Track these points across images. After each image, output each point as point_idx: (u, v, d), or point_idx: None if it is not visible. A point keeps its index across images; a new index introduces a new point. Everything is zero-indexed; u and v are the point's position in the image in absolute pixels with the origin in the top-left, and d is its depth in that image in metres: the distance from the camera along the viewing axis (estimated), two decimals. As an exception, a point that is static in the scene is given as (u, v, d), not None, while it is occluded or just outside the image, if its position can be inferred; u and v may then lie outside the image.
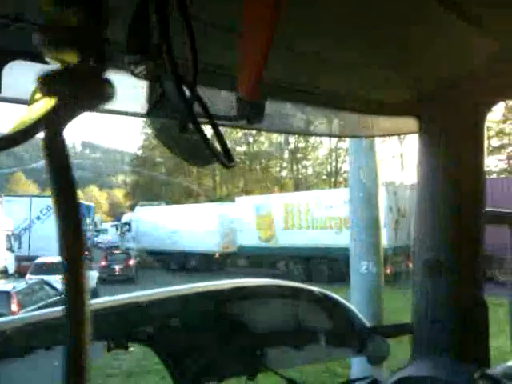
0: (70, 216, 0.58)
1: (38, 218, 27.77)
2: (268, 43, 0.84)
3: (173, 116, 0.83)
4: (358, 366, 5.62)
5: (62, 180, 0.56)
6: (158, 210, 34.76)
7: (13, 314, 10.92)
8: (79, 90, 0.58)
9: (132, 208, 41.03)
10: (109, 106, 0.62)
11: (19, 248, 24.86)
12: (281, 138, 56.97)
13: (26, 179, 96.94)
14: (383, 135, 3.16)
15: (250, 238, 26.66)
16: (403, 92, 1.93)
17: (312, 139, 55.40)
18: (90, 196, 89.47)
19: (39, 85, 0.57)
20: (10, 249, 23.79)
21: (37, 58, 0.89)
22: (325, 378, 8.26)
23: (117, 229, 39.29)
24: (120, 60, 0.71)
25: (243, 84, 0.91)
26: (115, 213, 72.62)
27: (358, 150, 6.32)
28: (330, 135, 6.29)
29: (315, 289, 2.06)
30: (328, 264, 22.39)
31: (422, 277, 1.99)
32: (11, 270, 23.02)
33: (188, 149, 0.85)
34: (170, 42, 0.67)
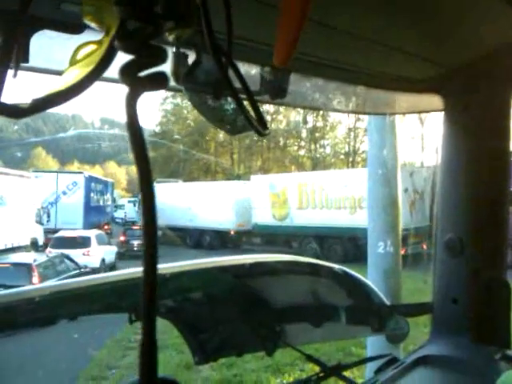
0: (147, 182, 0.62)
1: (64, 192, 28.87)
2: (304, 15, 0.83)
3: (207, 84, 0.83)
4: (373, 345, 5.62)
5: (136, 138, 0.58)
6: (174, 186, 35.00)
7: None
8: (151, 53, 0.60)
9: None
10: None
11: (48, 221, 25.51)
12: (299, 117, 56.76)
13: (46, 154, 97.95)
14: (407, 112, 3.11)
15: (264, 216, 26.78)
16: (428, 68, 1.88)
17: (330, 118, 55.19)
18: (109, 172, 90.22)
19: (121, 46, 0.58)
20: (40, 222, 24.55)
21: (66, 28, 0.89)
22: (339, 357, 8.34)
23: (134, 204, 39.82)
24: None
25: (279, 54, 0.90)
26: (134, 189, 73.27)
27: (378, 128, 6.24)
28: (353, 112, 6.27)
29: (335, 266, 2.03)
30: (342, 244, 22.45)
31: (444, 256, 1.95)
32: (41, 243, 23.81)
33: (221, 116, 0.86)
34: (207, 8, 0.66)
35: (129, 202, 45.78)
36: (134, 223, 35.95)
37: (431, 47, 1.69)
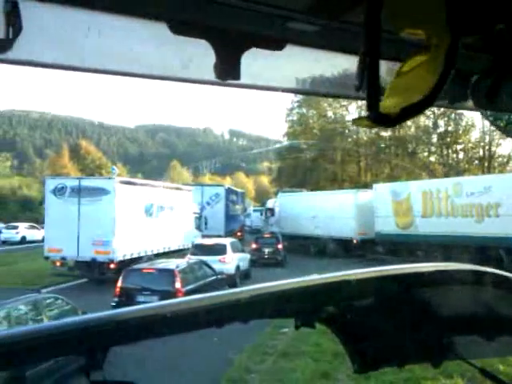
0: None
1: (208, 203, 32.44)
2: None
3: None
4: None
5: None
6: (299, 196, 35.98)
7: (177, 290, 12.29)
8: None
9: (276, 194, 42.81)
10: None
11: (206, 228, 28.53)
12: (429, 122, 54.81)
13: (181, 167, 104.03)
14: None
15: (387, 224, 26.64)
16: None
17: (463, 122, 52.54)
18: (238, 182, 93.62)
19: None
20: (198, 228, 27.53)
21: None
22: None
23: (261, 213, 41.58)
24: None
25: None
26: (261, 198, 75.51)
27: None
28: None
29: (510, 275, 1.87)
30: (469, 253, 21.57)
31: None
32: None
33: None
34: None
35: (254, 210, 47.73)
36: (259, 231, 37.49)
37: None
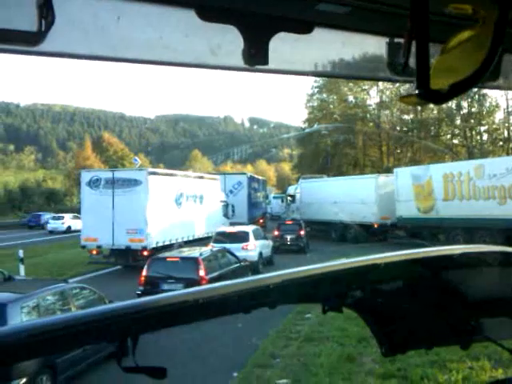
0: None
1: (231, 191, 32.91)
2: None
3: None
4: None
5: None
6: (319, 182, 35.90)
7: (201, 278, 12.35)
8: None
9: (297, 180, 42.78)
10: None
11: (233, 216, 28.86)
12: (452, 103, 53.92)
13: (202, 155, 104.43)
14: None
15: (408, 209, 26.43)
16: None
17: (487, 103, 51.60)
18: (259, 169, 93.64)
19: None
20: (226, 215, 28.07)
21: None
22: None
23: (282, 200, 41.63)
24: None
25: None
26: (283, 185, 75.47)
27: None
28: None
29: None
30: (491, 236, 21.35)
31: None
32: (228, 234, 27.02)
33: None
34: None
35: (274, 197, 47.80)
36: (279, 218, 37.52)
37: None
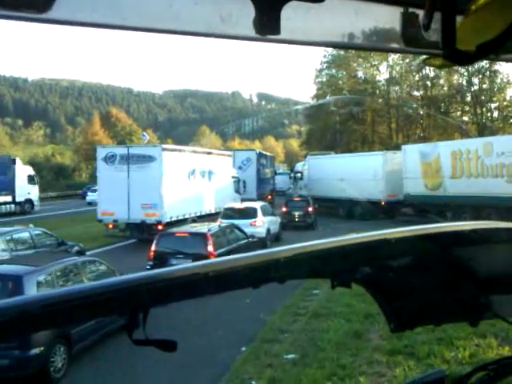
0: None
1: (240, 167, 33.13)
2: None
3: None
4: None
5: None
6: (327, 159, 35.81)
7: (209, 253, 12.43)
8: None
9: (305, 157, 42.66)
10: None
11: (244, 191, 29.22)
12: (462, 80, 53.35)
13: (210, 131, 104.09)
14: None
15: (416, 186, 26.35)
16: None
17: (498, 79, 50.94)
18: (268, 146, 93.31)
19: None
20: (238, 191, 28.25)
21: None
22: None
23: (290, 177, 41.63)
24: None
25: None
26: (291, 162, 75.26)
27: None
28: None
29: None
30: (499, 214, 21.26)
31: None
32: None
33: None
34: None
35: (278, 174, 47.74)
36: (283, 194, 37.48)
37: None
